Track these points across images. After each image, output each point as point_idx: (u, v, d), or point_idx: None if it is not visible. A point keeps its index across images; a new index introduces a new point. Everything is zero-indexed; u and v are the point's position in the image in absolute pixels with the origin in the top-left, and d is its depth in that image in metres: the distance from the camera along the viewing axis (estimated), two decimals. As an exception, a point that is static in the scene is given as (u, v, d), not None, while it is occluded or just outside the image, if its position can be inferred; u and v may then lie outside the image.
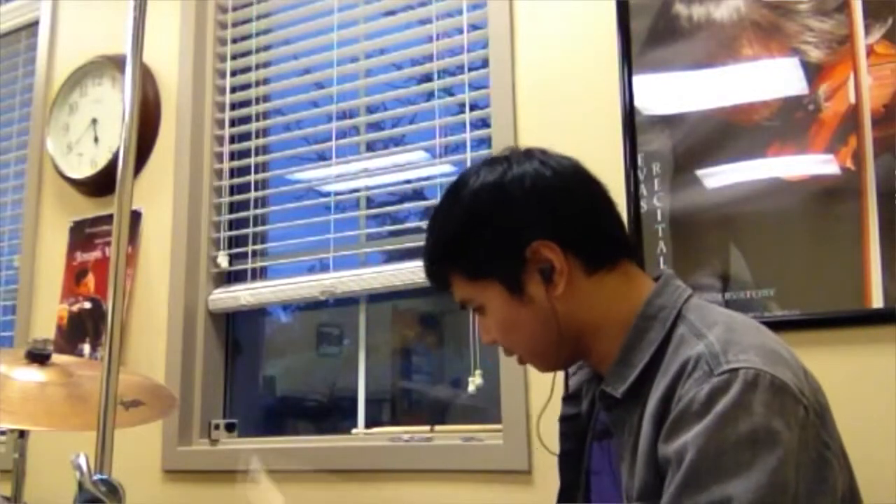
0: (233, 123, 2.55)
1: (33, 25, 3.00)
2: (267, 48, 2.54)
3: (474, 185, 1.17)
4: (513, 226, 1.14)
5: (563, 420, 1.27)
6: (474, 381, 2.03)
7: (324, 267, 2.34)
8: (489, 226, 1.15)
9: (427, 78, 2.24)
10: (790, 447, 0.95)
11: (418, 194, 2.27)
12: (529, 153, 1.19)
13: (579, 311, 1.14)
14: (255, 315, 2.58)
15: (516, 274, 1.13)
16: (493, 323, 1.19)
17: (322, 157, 2.43)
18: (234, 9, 2.59)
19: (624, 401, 1.10)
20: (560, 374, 1.29)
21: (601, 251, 1.15)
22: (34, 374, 1.68)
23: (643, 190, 1.79)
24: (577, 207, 1.16)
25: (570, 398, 1.27)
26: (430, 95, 2.25)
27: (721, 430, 0.95)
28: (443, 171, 2.18)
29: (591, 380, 1.23)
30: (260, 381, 2.65)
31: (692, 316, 1.09)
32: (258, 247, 2.47)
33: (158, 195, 2.53)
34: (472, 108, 2.13)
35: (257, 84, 2.52)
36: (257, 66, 2.53)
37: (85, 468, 1.03)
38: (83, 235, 2.71)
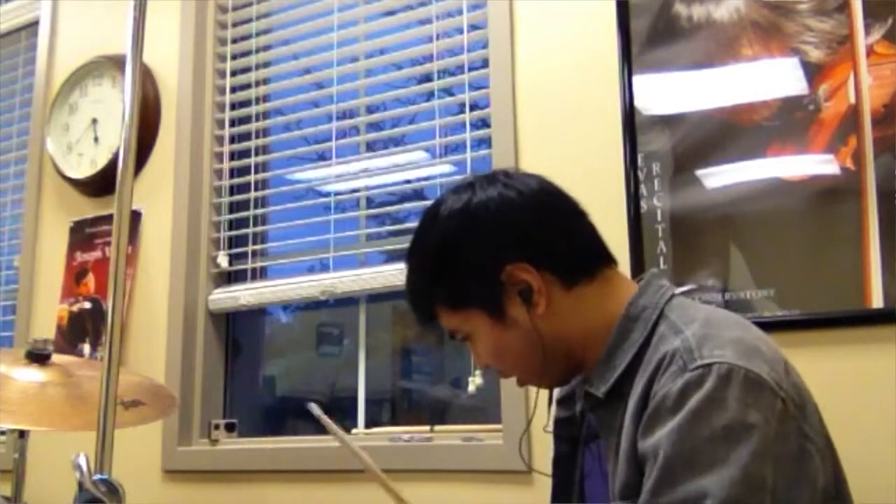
0: (233, 123, 2.55)
1: (33, 25, 3.00)
2: (267, 48, 2.54)
3: (442, 216, 1.18)
4: (484, 252, 1.14)
5: (557, 423, 1.28)
6: (474, 381, 2.03)
7: (324, 267, 2.34)
8: (461, 255, 1.15)
9: (427, 78, 2.24)
10: (766, 440, 0.95)
11: (418, 194, 2.27)
12: (493, 177, 1.19)
13: (564, 326, 1.14)
14: (255, 315, 2.58)
15: (496, 299, 1.14)
16: (483, 349, 1.19)
17: (322, 157, 2.43)
18: (234, 9, 2.59)
19: (607, 401, 1.10)
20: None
21: (576, 265, 1.16)
22: (34, 374, 1.68)
23: (643, 190, 1.79)
24: (545, 226, 1.16)
25: (563, 401, 1.27)
26: (430, 95, 2.25)
27: (694, 426, 0.95)
28: (443, 171, 2.18)
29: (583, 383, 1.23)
30: (260, 381, 2.65)
31: (673, 314, 1.10)
32: (258, 247, 2.47)
33: (158, 195, 2.53)
34: (472, 108, 2.13)
35: (257, 84, 2.52)
36: (257, 66, 2.53)
37: (85, 468, 1.03)
38: (83, 235, 2.71)
